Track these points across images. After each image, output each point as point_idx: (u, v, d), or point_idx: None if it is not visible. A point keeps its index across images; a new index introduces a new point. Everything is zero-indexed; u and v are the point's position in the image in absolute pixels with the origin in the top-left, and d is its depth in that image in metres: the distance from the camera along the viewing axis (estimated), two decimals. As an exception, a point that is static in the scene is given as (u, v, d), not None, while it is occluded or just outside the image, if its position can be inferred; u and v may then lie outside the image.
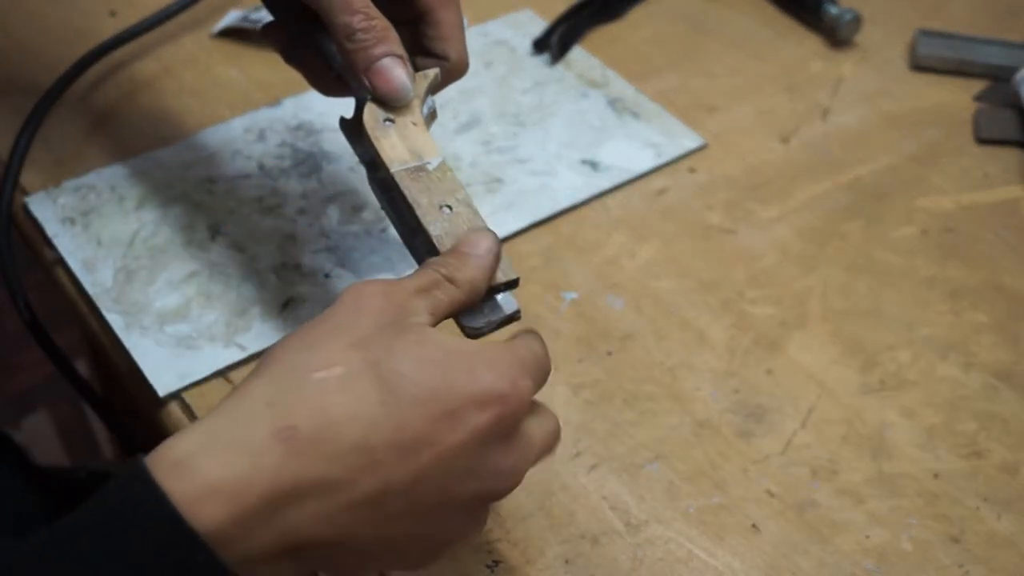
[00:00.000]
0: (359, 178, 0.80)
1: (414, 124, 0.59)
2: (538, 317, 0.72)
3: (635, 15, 0.96)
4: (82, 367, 1.45)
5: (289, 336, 0.49)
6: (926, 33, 0.93)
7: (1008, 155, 0.85)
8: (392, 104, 0.59)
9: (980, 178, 0.83)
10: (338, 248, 0.75)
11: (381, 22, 0.59)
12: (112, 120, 0.85)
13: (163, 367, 0.68)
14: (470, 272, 0.52)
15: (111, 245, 0.75)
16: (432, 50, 0.63)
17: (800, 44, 0.94)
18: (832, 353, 0.71)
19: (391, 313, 0.49)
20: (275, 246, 0.75)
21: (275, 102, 0.86)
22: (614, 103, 0.87)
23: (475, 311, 0.54)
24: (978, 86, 0.90)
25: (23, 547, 0.43)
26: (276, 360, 0.47)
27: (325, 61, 0.64)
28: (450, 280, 0.52)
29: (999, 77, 0.90)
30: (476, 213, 0.56)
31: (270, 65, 0.90)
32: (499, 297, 0.55)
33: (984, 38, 0.93)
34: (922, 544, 0.62)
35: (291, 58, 0.66)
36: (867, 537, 0.62)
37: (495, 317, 0.54)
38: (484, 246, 0.53)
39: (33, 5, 0.94)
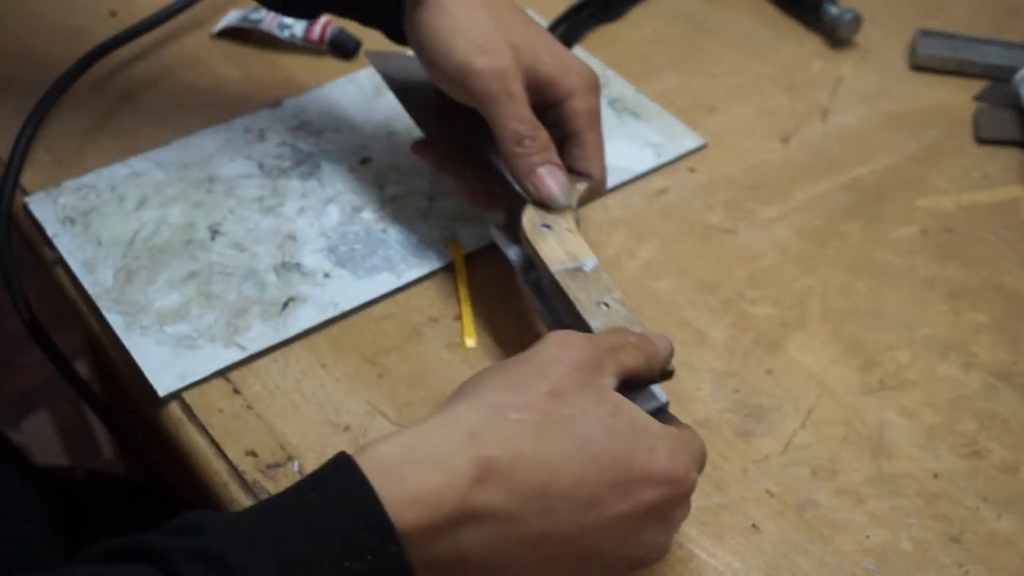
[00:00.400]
0: (359, 178, 0.80)
1: (569, 231, 0.66)
2: (538, 317, 0.72)
3: (635, 15, 0.96)
4: (83, 368, 1.45)
5: (493, 371, 0.55)
6: (926, 33, 0.93)
7: (1008, 155, 0.85)
8: (549, 207, 0.67)
9: (980, 178, 0.83)
10: (338, 248, 0.75)
11: (544, 134, 0.68)
12: (112, 120, 0.85)
13: (163, 367, 0.68)
14: (651, 349, 0.58)
15: (111, 245, 0.75)
16: (576, 168, 0.70)
17: (800, 44, 0.94)
18: (832, 353, 0.71)
19: (587, 367, 0.54)
20: (275, 246, 0.75)
21: (275, 102, 0.86)
22: (614, 103, 0.87)
23: (629, 396, 0.56)
24: (978, 86, 0.90)
25: (234, 518, 0.48)
26: (480, 393, 0.52)
27: (479, 174, 0.72)
28: (636, 348, 0.57)
29: (999, 77, 0.90)
30: (631, 311, 0.61)
31: (270, 65, 0.90)
32: (653, 387, 0.59)
33: (984, 38, 0.93)
34: (922, 544, 0.62)
35: (441, 171, 0.73)
36: (867, 537, 0.62)
37: (648, 406, 0.58)
38: (665, 340, 0.59)
39: (34, 5, 0.94)
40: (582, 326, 0.61)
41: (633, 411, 0.54)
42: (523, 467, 0.50)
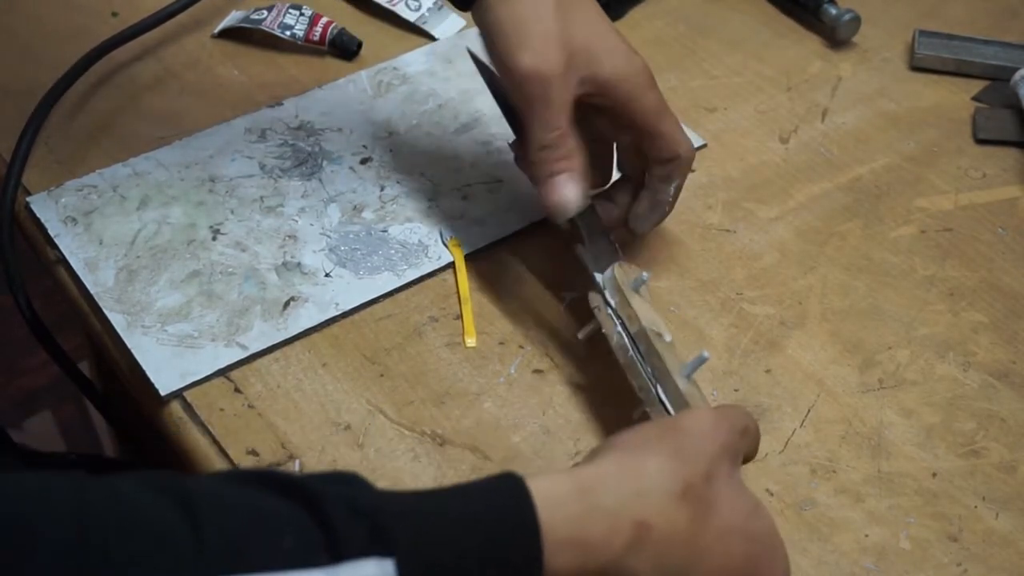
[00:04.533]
0: (360, 178, 0.80)
1: (649, 303, 0.67)
2: (538, 317, 0.72)
3: (635, 15, 0.97)
4: (85, 369, 1.45)
5: (652, 429, 0.55)
6: (925, 33, 0.93)
7: (1006, 155, 0.85)
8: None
9: (978, 178, 0.83)
10: (339, 248, 0.76)
11: (572, 142, 0.67)
12: (114, 120, 0.85)
13: (165, 366, 0.68)
14: (757, 440, 0.58)
15: (113, 245, 0.75)
16: (664, 156, 0.71)
17: (800, 44, 0.95)
18: (831, 352, 0.71)
19: (732, 453, 0.55)
20: (276, 245, 0.76)
21: (276, 102, 0.86)
22: (614, 103, 0.87)
23: None
24: (977, 86, 0.90)
25: (390, 491, 0.47)
26: (647, 450, 0.52)
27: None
28: (754, 437, 0.58)
29: (998, 77, 0.90)
30: (707, 402, 0.62)
31: (271, 65, 0.90)
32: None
33: (983, 38, 0.93)
34: (921, 543, 0.62)
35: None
36: (866, 536, 0.62)
37: None
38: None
39: (35, 6, 0.95)
40: (667, 381, 0.62)
41: (766, 515, 0.55)
42: (675, 544, 0.50)
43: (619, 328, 0.65)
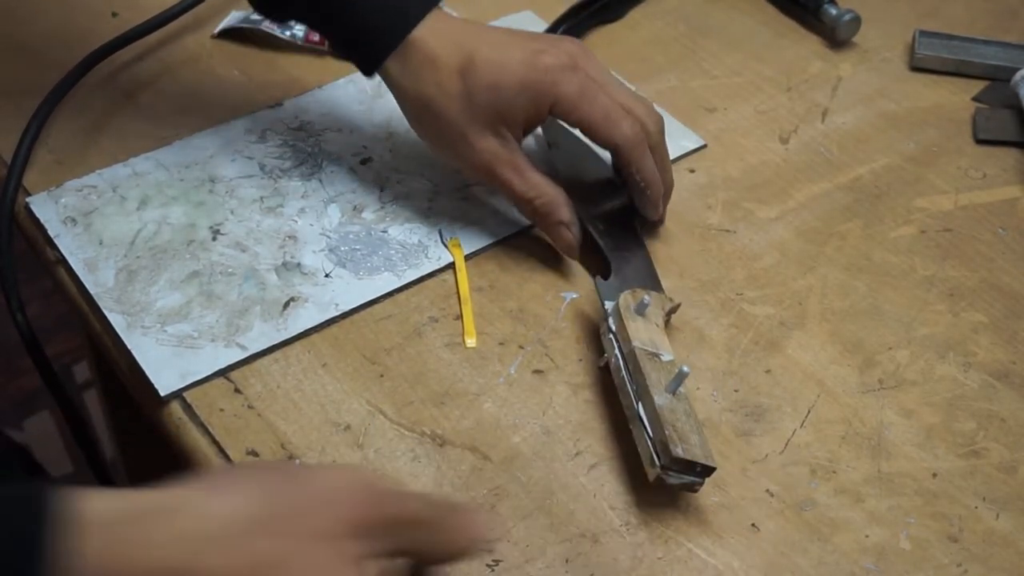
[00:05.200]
0: (360, 178, 0.80)
1: (657, 325, 0.68)
2: (538, 317, 0.72)
3: (635, 16, 0.97)
4: (86, 369, 1.45)
5: (269, 473, 0.50)
6: (925, 34, 0.93)
7: (1006, 155, 0.85)
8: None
9: (978, 178, 0.83)
10: (339, 248, 0.76)
11: (545, 189, 0.72)
12: (114, 121, 0.85)
13: (164, 367, 0.68)
14: (449, 537, 0.51)
15: (112, 245, 0.75)
16: (607, 146, 0.73)
17: (800, 44, 0.95)
18: (831, 353, 0.71)
19: (361, 529, 0.47)
20: (276, 246, 0.76)
21: (276, 103, 0.86)
22: (614, 103, 0.87)
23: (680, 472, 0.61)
24: (977, 87, 0.90)
25: None
26: (227, 490, 0.47)
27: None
28: (434, 530, 0.50)
29: (998, 78, 0.90)
30: (691, 408, 0.63)
31: (271, 66, 0.90)
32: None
33: (983, 39, 0.93)
34: (921, 543, 0.62)
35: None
36: (866, 536, 0.62)
37: (685, 479, 0.61)
38: (475, 523, 0.52)
39: (36, 6, 0.95)
40: (648, 397, 0.63)
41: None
42: None
43: (617, 350, 0.67)
